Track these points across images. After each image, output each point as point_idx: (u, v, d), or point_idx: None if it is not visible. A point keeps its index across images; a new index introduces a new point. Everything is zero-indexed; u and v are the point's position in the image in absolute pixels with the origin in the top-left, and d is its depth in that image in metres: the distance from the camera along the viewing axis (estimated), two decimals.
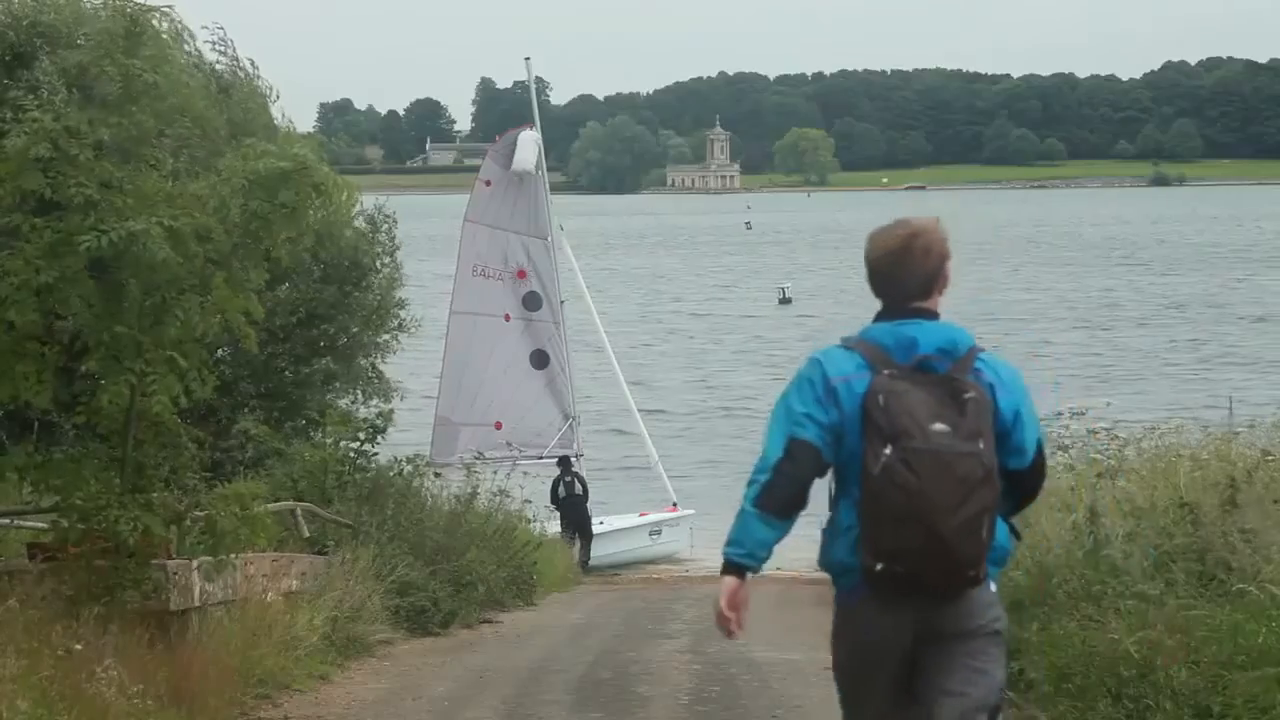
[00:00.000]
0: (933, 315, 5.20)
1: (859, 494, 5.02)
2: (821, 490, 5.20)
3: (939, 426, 4.96)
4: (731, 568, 5.13)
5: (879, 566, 4.98)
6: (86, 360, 9.56)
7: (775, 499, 5.08)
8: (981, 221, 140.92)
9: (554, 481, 27.71)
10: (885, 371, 5.06)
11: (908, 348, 5.12)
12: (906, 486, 4.92)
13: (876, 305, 5.24)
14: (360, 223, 20.66)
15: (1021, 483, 5.19)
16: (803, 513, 5.13)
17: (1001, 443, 5.07)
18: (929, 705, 5.09)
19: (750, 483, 5.13)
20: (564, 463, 28.13)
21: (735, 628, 5.17)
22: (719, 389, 52.40)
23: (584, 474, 28.48)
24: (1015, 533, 5.28)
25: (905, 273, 5.18)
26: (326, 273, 19.55)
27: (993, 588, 5.15)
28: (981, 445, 4.96)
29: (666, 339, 68.44)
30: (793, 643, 12.80)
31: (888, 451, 4.94)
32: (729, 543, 5.14)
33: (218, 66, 18.94)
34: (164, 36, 9.83)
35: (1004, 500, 5.10)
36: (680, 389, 52.31)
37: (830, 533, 5.17)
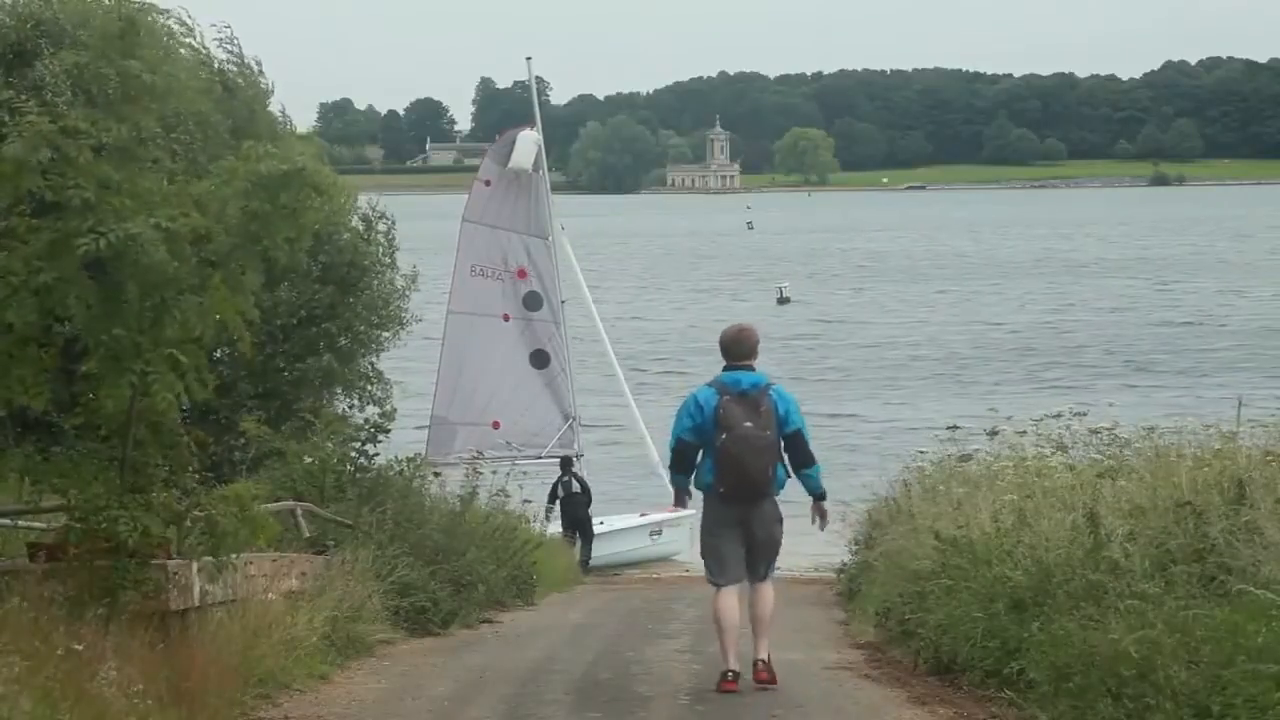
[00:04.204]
0: (750, 368, 10.75)
1: (713, 455, 10.57)
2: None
3: (748, 424, 10.50)
4: (676, 493, 11.04)
5: (721, 489, 10.62)
6: (86, 362, 9.55)
7: (677, 465, 10.84)
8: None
9: (554, 482, 27.68)
10: (725, 396, 10.57)
11: (736, 384, 10.66)
12: (732, 452, 10.51)
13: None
14: (356, 222, 20.63)
15: (793, 446, 10.72)
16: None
17: (783, 425, 10.62)
18: (753, 558, 10.78)
19: (670, 458, 10.92)
20: (565, 463, 28.08)
21: (686, 501, 11.05)
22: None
23: (584, 474, 28.42)
24: (788, 473, 10.78)
25: (739, 346, 10.81)
26: (325, 273, 19.54)
27: (777, 501, 10.80)
28: (768, 433, 10.53)
29: (664, 340, 68.50)
30: (792, 643, 12.80)
31: (724, 436, 10.51)
32: (671, 483, 11.04)
33: (224, 67, 18.93)
34: (165, 34, 9.82)
35: (790, 456, 10.73)
36: (679, 390, 52.26)
37: (700, 472, 10.71)
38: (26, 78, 13.89)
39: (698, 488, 10.75)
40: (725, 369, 10.73)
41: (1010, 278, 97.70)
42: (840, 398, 49.72)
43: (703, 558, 11.01)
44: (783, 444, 10.65)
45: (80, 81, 10.05)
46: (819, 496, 11.00)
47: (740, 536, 10.69)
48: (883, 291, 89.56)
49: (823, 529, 11.26)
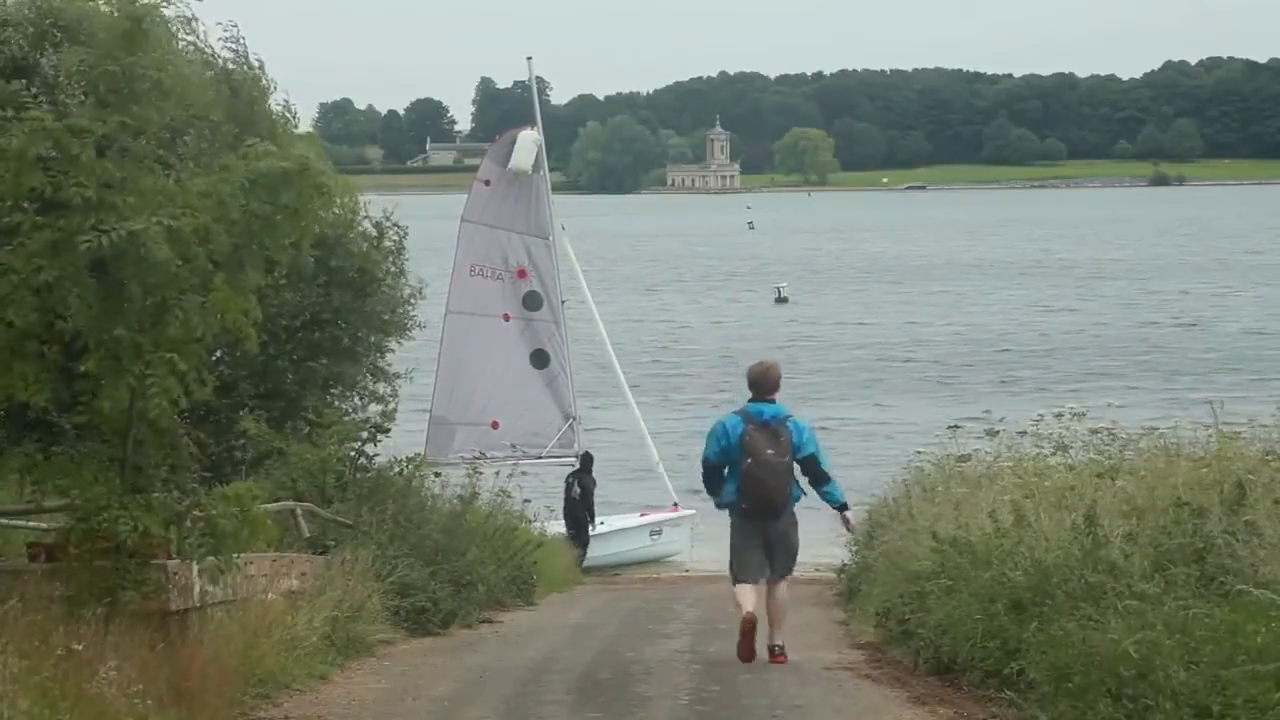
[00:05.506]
0: (773, 401, 12.48)
1: (737, 478, 12.29)
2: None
3: (769, 451, 12.23)
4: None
5: (744, 505, 12.34)
6: (85, 360, 9.54)
7: (709, 489, 12.69)
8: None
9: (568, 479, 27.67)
10: (750, 425, 12.28)
11: (759, 415, 12.37)
12: (756, 475, 12.22)
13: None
14: (367, 225, 20.56)
15: (807, 467, 12.46)
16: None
17: (796, 451, 12.32)
18: (771, 561, 12.42)
19: (701, 477, 12.76)
20: (584, 460, 27.91)
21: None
22: (729, 392, 52.38)
23: (593, 476, 28.18)
24: (803, 491, 12.54)
25: (764, 381, 12.55)
26: (332, 277, 19.47)
27: (794, 510, 12.49)
28: (786, 459, 12.28)
29: (666, 343, 68.50)
30: (793, 643, 12.81)
31: (749, 461, 12.23)
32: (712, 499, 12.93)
33: (229, 66, 18.87)
34: (167, 30, 9.78)
35: (805, 475, 12.49)
36: (681, 390, 52.28)
37: (726, 492, 12.43)
38: (39, 74, 13.86)
39: (721, 505, 12.61)
40: (751, 401, 12.50)
41: (987, 279, 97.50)
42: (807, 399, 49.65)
43: (729, 559, 12.72)
44: (799, 466, 12.43)
45: (89, 80, 10.01)
46: (841, 507, 12.89)
47: (760, 544, 12.42)
48: (852, 294, 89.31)
49: (851, 532, 13.37)
